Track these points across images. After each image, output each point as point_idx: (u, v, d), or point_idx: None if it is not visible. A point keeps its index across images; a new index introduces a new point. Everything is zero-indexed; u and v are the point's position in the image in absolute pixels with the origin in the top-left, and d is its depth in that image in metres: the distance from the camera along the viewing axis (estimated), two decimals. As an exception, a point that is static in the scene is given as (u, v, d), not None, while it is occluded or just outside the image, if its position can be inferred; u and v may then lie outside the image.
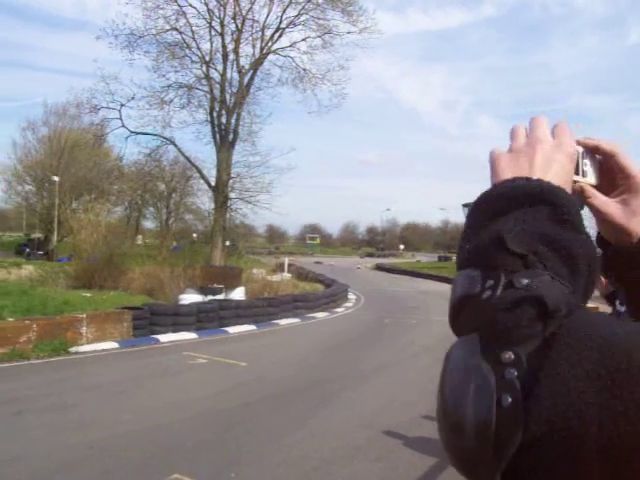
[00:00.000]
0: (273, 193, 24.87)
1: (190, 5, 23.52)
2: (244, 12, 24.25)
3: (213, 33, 24.46)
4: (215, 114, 24.74)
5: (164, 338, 12.04)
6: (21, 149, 43.27)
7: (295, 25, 24.92)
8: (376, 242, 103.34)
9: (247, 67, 24.97)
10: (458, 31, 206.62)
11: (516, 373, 0.40)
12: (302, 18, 24.76)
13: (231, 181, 24.96)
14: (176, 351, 11.03)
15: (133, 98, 24.13)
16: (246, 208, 25.41)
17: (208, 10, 23.91)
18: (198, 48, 24.39)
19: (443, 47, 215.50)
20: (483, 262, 0.47)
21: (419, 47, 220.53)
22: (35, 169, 41.59)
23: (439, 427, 0.44)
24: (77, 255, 22.38)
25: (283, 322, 16.01)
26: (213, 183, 24.93)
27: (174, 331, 12.56)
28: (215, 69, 24.89)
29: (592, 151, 0.61)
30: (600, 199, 0.60)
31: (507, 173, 0.53)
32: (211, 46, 24.61)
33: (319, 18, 24.77)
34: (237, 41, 24.58)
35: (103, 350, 10.67)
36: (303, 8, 24.47)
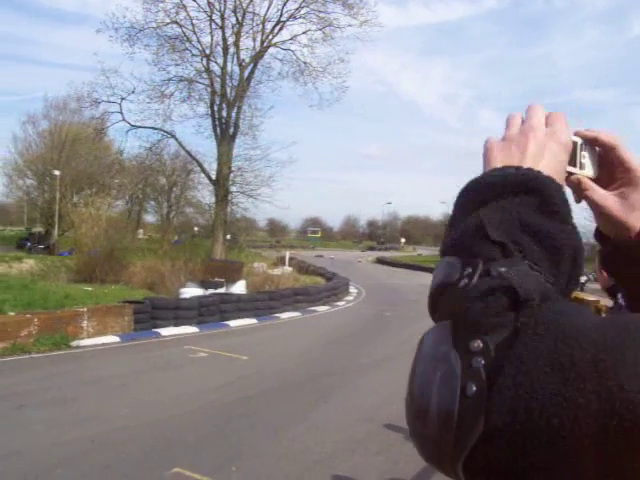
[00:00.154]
0: (274, 187, 24.95)
1: (190, -2, 23.45)
2: (244, 5, 24.20)
3: (213, 26, 24.43)
4: (216, 107, 24.72)
5: (165, 332, 12.05)
6: (22, 143, 43.19)
7: (296, 18, 24.89)
8: (377, 235, 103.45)
9: (248, 60, 24.92)
10: (459, 24, 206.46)
11: (483, 362, 0.39)
12: (303, 11, 24.76)
13: (232, 175, 24.97)
14: (177, 345, 11.04)
15: (133, 92, 24.16)
16: (247, 202, 25.53)
17: (208, 3, 23.85)
18: (198, 41, 24.40)
19: (444, 40, 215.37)
20: (464, 250, 0.46)
21: (420, 40, 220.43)
22: (36, 163, 41.49)
23: (406, 413, 0.43)
24: (78, 249, 22.36)
25: (284, 316, 16.02)
26: (214, 177, 24.91)
27: (175, 325, 12.58)
28: (216, 62, 24.88)
29: (591, 143, 0.59)
30: (598, 192, 0.59)
31: (498, 161, 0.52)
32: (211, 39, 24.59)
33: (320, 11, 24.73)
34: (237, 34, 24.51)
35: (104, 344, 10.67)
36: (304, 1, 24.45)
